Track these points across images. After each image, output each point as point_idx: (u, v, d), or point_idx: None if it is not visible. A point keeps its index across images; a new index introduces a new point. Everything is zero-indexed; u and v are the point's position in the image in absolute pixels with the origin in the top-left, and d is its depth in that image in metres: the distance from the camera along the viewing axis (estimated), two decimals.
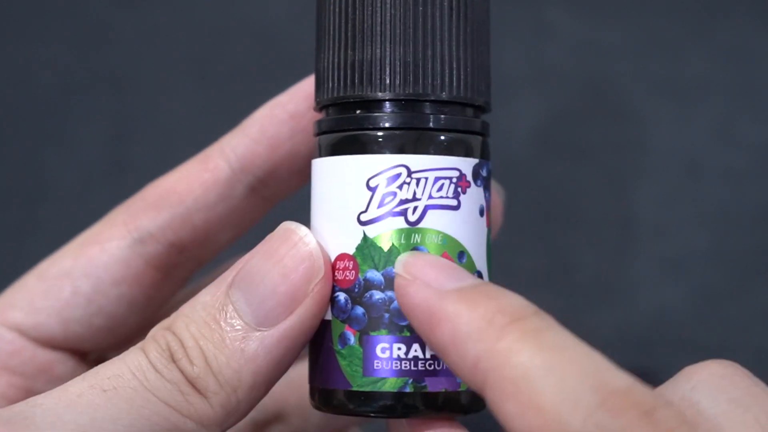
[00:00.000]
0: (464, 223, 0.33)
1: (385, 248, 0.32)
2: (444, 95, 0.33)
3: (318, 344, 0.34)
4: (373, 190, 0.33)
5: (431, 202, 0.33)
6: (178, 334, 0.32)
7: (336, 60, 0.34)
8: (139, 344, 0.33)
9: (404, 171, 0.33)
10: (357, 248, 0.33)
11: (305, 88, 0.37)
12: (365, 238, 0.33)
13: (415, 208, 0.33)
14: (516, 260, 0.52)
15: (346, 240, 0.33)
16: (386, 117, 0.33)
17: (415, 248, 0.32)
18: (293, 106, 0.37)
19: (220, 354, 0.32)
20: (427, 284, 0.31)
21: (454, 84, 0.33)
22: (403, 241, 0.32)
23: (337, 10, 0.34)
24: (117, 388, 0.31)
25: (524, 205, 0.53)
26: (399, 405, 0.32)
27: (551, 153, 0.53)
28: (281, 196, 0.39)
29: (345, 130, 0.34)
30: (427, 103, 0.33)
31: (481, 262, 0.33)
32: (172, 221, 0.38)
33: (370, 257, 0.33)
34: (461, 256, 0.33)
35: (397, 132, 0.33)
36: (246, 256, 0.33)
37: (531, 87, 0.54)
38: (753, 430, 0.28)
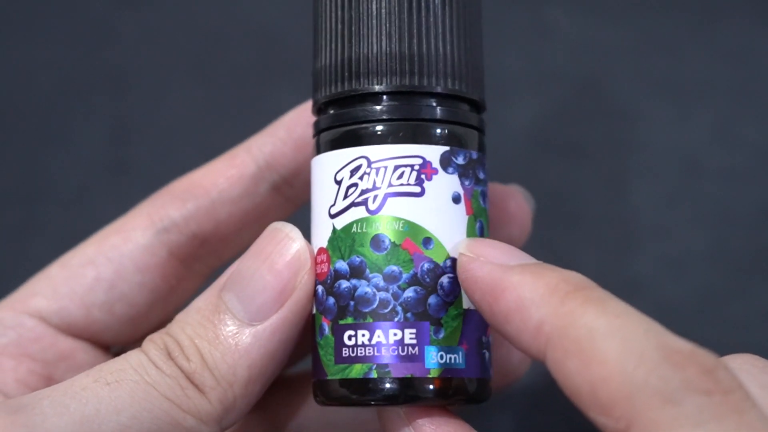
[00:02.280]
0: (431, 210, 0.33)
1: (350, 238, 0.33)
2: (434, 87, 0.34)
3: (311, 339, 0.35)
4: (339, 183, 0.34)
5: (391, 189, 0.33)
6: (174, 335, 0.33)
7: (324, 62, 0.35)
8: (137, 347, 0.34)
9: (364, 162, 0.34)
10: (329, 241, 0.34)
11: None
12: (334, 230, 0.34)
13: (375, 196, 0.33)
14: None
15: (321, 234, 0.34)
16: (349, 113, 0.34)
17: (376, 236, 0.33)
18: None
19: (215, 350, 0.33)
20: (490, 261, 0.32)
21: (433, 76, 0.34)
22: (364, 230, 0.33)
23: (331, 12, 0.35)
24: (120, 381, 0.32)
25: None
26: (370, 392, 0.33)
27: (551, 153, 0.53)
28: (304, 198, 0.40)
29: (321, 131, 0.35)
30: (397, 95, 0.34)
31: (455, 249, 0.34)
32: (196, 212, 0.39)
33: (337, 248, 0.34)
34: (427, 242, 0.33)
35: (358, 126, 0.34)
36: (236, 262, 0.34)
37: (530, 87, 0.54)
38: None
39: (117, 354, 0.40)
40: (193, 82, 0.55)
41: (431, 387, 0.33)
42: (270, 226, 0.35)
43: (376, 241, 0.33)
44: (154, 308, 0.39)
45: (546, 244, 0.52)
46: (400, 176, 0.33)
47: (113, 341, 0.40)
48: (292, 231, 0.34)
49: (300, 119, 0.39)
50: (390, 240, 0.33)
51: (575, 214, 0.53)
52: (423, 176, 0.33)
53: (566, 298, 0.29)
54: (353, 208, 0.33)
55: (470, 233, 0.34)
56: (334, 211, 0.34)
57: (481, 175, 0.35)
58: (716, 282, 0.51)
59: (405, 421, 0.33)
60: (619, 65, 0.53)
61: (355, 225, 0.33)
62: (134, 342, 0.40)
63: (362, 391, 0.33)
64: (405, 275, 0.33)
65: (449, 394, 0.33)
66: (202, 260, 0.39)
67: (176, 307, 0.40)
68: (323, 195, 0.34)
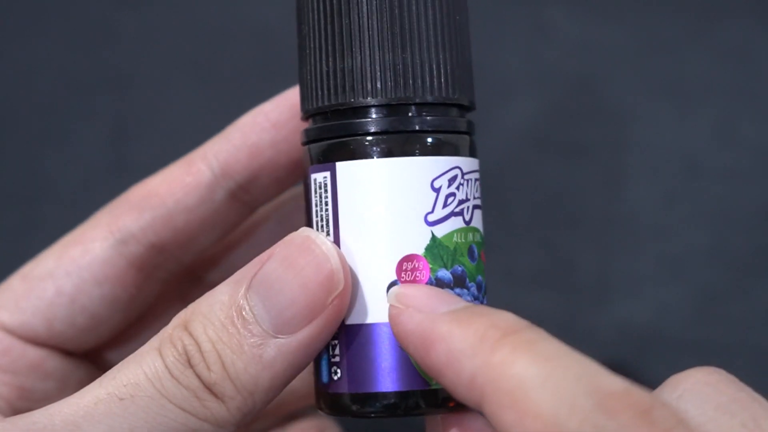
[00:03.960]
0: (482, 222, 0.35)
1: (451, 247, 0.33)
2: (467, 100, 0.35)
3: (372, 349, 0.33)
4: (437, 190, 0.33)
5: (475, 202, 0.34)
6: (195, 336, 0.32)
7: (326, 66, 0.34)
8: (155, 343, 0.33)
9: (459, 172, 0.34)
10: (426, 248, 0.33)
11: (289, 97, 0.38)
12: (434, 238, 0.33)
13: (468, 207, 0.34)
14: (516, 260, 0.52)
15: (412, 241, 0.33)
16: (448, 121, 0.34)
17: (471, 246, 0.34)
18: (276, 115, 0.38)
19: (238, 360, 0.32)
20: (419, 310, 0.31)
21: (472, 88, 0.35)
22: (463, 240, 0.34)
23: (320, 18, 0.34)
24: (134, 396, 0.31)
25: (524, 205, 0.53)
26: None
27: (551, 153, 0.53)
28: (262, 202, 0.40)
29: (397, 131, 0.34)
30: (459, 108, 0.35)
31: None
32: (153, 222, 0.39)
33: (439, 257, 0.33)
34: (485, 252, 0.35)
35: (450, 135, 0.34)
36: (263, 255, 0.33)
37: (530, 87, 0.54)
38: None
39: (83, 356, 0.40)
40: (193, 82, 0.55)
41: (438, 396, 0.33)
42: (302, 233, 0.33)
43: (471, 252, 0.34)
44: (115, 317, 0.39)
45: (546, 244, 0.52)
46: (477, 189, 0.34)
47: (76, 349, 0.40)
48: (328, 249, 0.33)
49: (255, 124, 0.38)
50: (477, 251, 0.34)
51: (575, 214, 0.53)
52: (480, 189, 0.35)
53: (496, 346, 0.28)
54: (453, 218, 0.33)
55: None
56: (432, 218, 0.33)
57: None
58: (716, 282, 0.51)
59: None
60: (619, 65, 0.53)
61: (456, 234, 0.33)
62: (97, 348, 0.40)
63: (378, 404, 0.33)
64: (484, 284, 0.34)
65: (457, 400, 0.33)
66: (161, 267, 0.39)
67: (138, 313, 0.40)
68: (416, 200, 0.33)
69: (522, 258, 0.52)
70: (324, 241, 0.33)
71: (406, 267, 0.33)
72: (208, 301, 0.33)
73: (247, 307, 0.32)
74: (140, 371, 0.32)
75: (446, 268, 0.33)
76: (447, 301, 0.31)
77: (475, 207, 0.34)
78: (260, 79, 0.54)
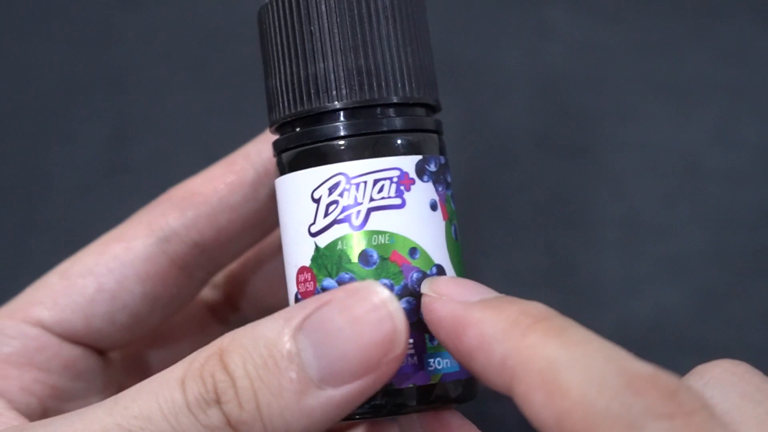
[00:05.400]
0: (413, 220, 0.34)
1: (336, 255, 0.33)
2: (394, 98, 0.34)
3: None
4: (317, 201, 0.34)
5: (373, 204, 0.33)
6: (230, 371, 0.30)
7: (281, 79, 0.35)
8: (178, 373, 0.31)
9: (343, 179, 0.33)
10: (312, 259, 0.34)
11: None
12: (317, 248, 0.34)
13: (359, 212, 0.33)
14: (516, 260, 0.52)
15: (301, 253, 0.34)
16: (321, 130, 0.34)
17: (364, 251, 0.33)
18: None
19: (275, 402, 0.30)
20: (452, 299, 0.32)
21: (399, 85, 0.34)
22: (350, 246, 0.33)
23: (281, 30, 0.35)
24: (144, 430, 0.30)
25: (524, 205, 0.53)
26: (376, 408, 0.33)
27: (551, 153, 0.53)
28: None
29: (287, 149, 0.35)
30: (368, 109, 0.34)
31: (439, 255, 0.34)
32: (197, 220, 0.38)
33: (323, 266, 0.33)
34: (413, 252, 0.34)
35: (333, 142, 0.34)
36: (322, 296, 0.31)
37: (530, 87, 0.54)
38: (764, 424, 0.29)
39: (118, 356, 0.40)
40: (193, 82, 0.55)
41: (431, 393, 0.33)
42: (368, 285, 0.31)
43: (365, 257, 0.33)
44: (155, 315, 0.39)
45: (546, 245, 0.52)
46: (381, 190, 0.34)
47: (112, 347, 0.40)
48: (394, 308, 0.31)
49: None
50: (378, 254, 0.33)
51: (575, 214, 0.53)
52: (402, 188, 0.34)
53: (527, 331, 0.29)
54: (336, 226, 0.33)
55: (448, 238, 0.34)
56: (315, 229, 0.34)
57: (449, 179, 0.35)
58: (716, 282, 0.51)
59: (419, 428, 0.33)
60: (619, 65, 0.53)
61: (340, 242, 0.33)
62: (131, 345, 0.40)
63: (366, 405, 0.33)
64: (397, 287, 0.33)
65: (449, 397, 0.33)
66: (202, 267, 0.39)
67: (176, 312, 0.40)
68: (300, 214, 0.34)
69: (522, 258, 0.52)
70: (391, 298, 0.31)
71: (300, 279, 0.34)
72: (252, 334, 0.31)
73: (295, 349, 0.30)
74: (155, 403, 0.30)
75: (331, 276, 0.33)
76: (478, 290, 0.32)
77: (374, 209, 0.33)
78: (260, 79, 0.54)
